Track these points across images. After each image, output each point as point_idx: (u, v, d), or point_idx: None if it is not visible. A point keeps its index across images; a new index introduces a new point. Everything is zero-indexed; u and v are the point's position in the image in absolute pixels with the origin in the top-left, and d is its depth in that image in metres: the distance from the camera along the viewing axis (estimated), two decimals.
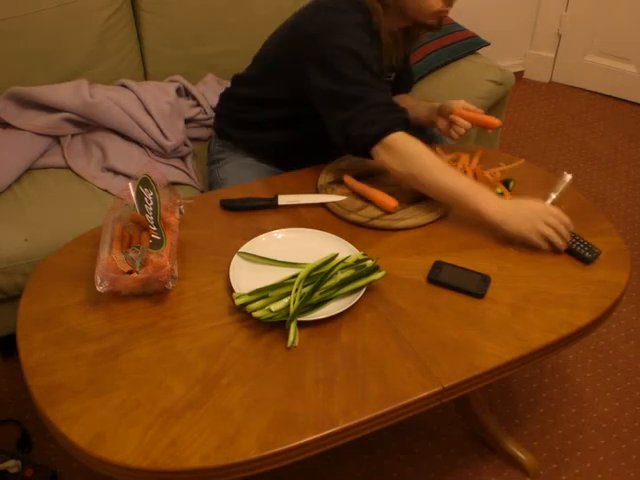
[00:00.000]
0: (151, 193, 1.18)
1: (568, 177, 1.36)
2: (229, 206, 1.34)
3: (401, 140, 1.28)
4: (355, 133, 1.30)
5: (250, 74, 1.60)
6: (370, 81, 1.31)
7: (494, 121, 1.45)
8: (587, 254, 1.22)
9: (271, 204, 1.34)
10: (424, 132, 1.66)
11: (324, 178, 1.42)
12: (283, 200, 1.34)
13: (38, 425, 1.54)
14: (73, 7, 1.81)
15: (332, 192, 1.38)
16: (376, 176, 1.42)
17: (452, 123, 1.48)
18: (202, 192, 1.71)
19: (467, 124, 1.44)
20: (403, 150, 1.28)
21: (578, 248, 1.23)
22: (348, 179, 1.39)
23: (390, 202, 1.32)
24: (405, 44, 1.49)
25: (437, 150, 1.53)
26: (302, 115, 1.48)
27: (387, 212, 1.32)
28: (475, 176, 1.44)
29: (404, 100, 1.62)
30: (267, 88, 1.52)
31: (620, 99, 3.12)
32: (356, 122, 1.29)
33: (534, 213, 1.22)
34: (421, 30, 1.46)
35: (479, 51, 2.04)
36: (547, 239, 1.22)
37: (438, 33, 2.04)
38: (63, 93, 1.75)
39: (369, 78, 1.31)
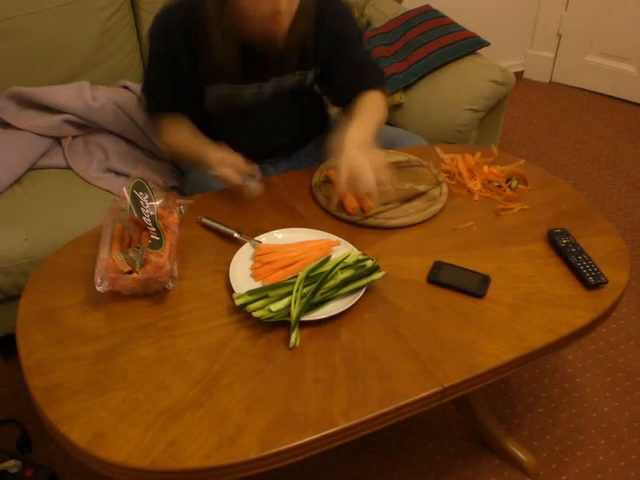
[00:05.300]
0: (146, 196, 1.18)
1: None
2: None
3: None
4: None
5: None
6: (151, 77, 1.49)
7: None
8: (590, 278, 1.18)
9: None
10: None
11: (317, 177, 1.42)
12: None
13: (38, 425, 1.52)
14: (73, 7, 1.81)
15: (325, 191, 1.38)
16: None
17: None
18: None
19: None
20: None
21: (583, 270, 1.19)
22: (332, 173, 1.38)
23: (350, 203, 1.31)
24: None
25: (437, 150, 1.54)
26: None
27: (348, 213, 1.31)
28: (474, 176, 1.44)
29: (363, 103, 1.44)
30: None
31: (620, 99, 3.12)
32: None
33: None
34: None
35: (479, 51, 2.04)
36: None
37: (438, 33, 2.04)
38: (65, 95, 1.75)
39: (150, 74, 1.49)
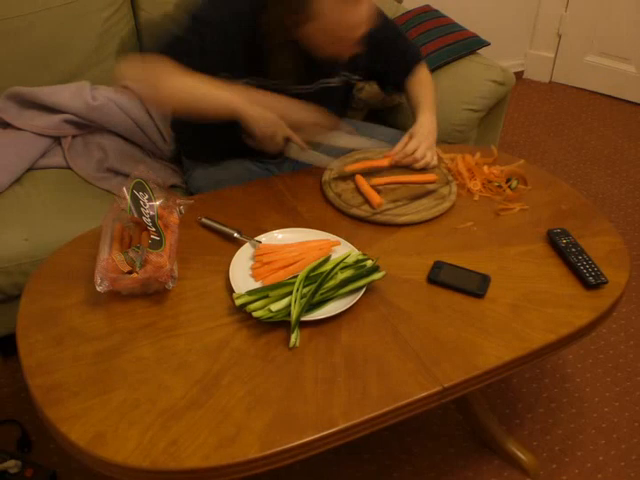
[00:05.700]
0: (146, 196, 1.18)
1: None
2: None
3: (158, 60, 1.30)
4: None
5: None
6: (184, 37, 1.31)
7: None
8: (590, 278, 1.18)
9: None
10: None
11: (328, 174, 1.43)
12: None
13: (38, 425, 1.54)
14: (73, 7, 1.81)
15: (336, 187, 1.38)
16: (376, 174, 1.43)
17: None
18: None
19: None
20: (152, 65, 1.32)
21: (583, 269, 1.19)
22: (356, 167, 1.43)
23: (375, 198, 1.34)
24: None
25: (437, 150, 1.54)
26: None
27: (372, 207, 1.33)
28: (474, 176, 1.44)
29: (419, 84, 1.62)
30: None
31: (620, 99, 3.12)
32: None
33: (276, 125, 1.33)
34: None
35: (479, 51, 2.04)
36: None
37: (438, 33, 2.04)
38: (65, 95, 1.75)
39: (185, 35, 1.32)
